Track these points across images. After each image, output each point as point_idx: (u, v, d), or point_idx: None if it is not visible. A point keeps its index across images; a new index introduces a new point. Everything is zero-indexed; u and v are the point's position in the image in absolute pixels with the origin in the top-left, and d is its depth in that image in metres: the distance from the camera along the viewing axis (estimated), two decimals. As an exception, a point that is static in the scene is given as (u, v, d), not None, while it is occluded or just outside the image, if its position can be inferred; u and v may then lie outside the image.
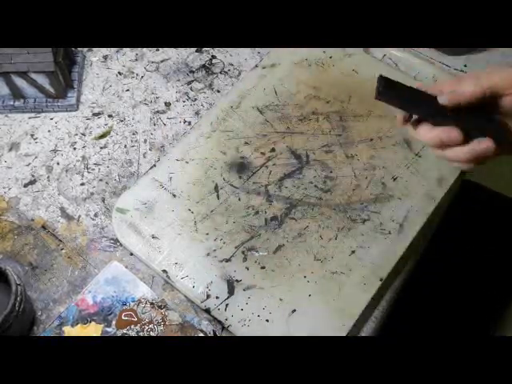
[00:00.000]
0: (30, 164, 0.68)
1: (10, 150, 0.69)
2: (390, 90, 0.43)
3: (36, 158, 0.69)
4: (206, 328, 0.56)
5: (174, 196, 0.63)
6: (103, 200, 0.65)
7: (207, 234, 0.60)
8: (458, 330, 0.98)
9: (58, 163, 0.68)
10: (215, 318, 0.56)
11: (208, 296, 0.56)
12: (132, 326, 0.55)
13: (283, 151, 0.67)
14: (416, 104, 0.45)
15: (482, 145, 0.45)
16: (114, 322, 0.55)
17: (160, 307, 0.56)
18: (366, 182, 0.65)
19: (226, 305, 0.56)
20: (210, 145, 0.68)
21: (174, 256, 0.59)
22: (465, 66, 0.78)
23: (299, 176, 0.65)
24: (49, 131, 0.71)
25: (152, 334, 0.55)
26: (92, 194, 0.66)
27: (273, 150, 0.67)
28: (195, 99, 0.75)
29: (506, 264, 1.05)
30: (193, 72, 0.78)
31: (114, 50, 0.80)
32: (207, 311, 0.56)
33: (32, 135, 0.70)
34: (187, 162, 0.66)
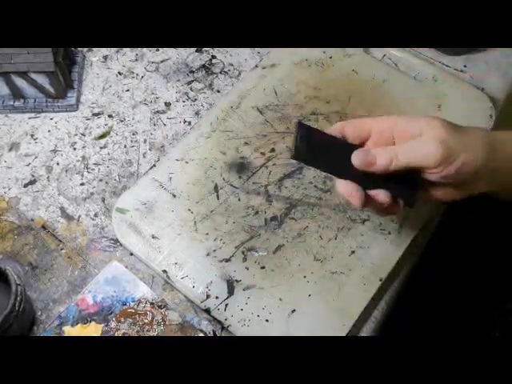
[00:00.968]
0: (29, 164, 0.68)
1: (10, 150, 0.69)
2: (306, 151, 0.45)
3: (36, 158, 0.69)
4: (206, 328, 0.56)
5: (174, 196, 0.63)
6: (103, 200, 0.65)
7: (207, 234, 0.60)
8: (458, 330, 0.98)
9: (57, 163, 0.68)
10: (215, 318, 0.56)
11: (208, 296, 0.56)
12: (130, 321, 0.55)
13: (283, 151, 0.67)
14: (330, 163, 0.47)
15: (378, 203, 0.47)
16: (113, 322, 0.55)
17: (160, 307, 0.56)
18: (365, 182, 0.65)
19: (226, 305, 0.56)
20: (210, 145, 0.68)
21: (174, 256, 0.59)
22: (465, 66, 0.78)
23: (299, 176, 0.65)
24: (49, 131, 0.71)
25: (152, 333, 0.55)
26: (92, 194, 0.66)
27: (273, 150, 0.67)
28: (195, 99, 0.75)
29: (506, 264, 1.05)
30: (193, 72, 0.78)
31: (114, 50, 0.80)
32: (207, 311, 0.56)
33: (32, 135, 0.71)
34: (187, 162, 0.66)
